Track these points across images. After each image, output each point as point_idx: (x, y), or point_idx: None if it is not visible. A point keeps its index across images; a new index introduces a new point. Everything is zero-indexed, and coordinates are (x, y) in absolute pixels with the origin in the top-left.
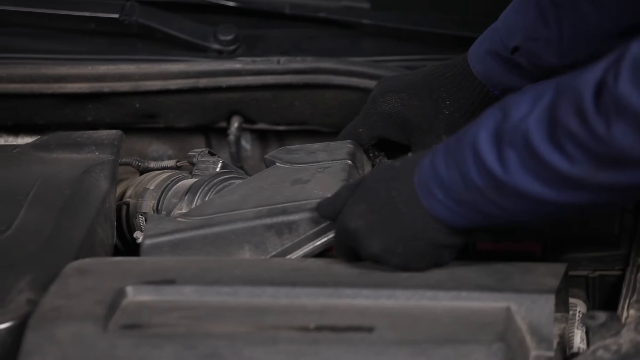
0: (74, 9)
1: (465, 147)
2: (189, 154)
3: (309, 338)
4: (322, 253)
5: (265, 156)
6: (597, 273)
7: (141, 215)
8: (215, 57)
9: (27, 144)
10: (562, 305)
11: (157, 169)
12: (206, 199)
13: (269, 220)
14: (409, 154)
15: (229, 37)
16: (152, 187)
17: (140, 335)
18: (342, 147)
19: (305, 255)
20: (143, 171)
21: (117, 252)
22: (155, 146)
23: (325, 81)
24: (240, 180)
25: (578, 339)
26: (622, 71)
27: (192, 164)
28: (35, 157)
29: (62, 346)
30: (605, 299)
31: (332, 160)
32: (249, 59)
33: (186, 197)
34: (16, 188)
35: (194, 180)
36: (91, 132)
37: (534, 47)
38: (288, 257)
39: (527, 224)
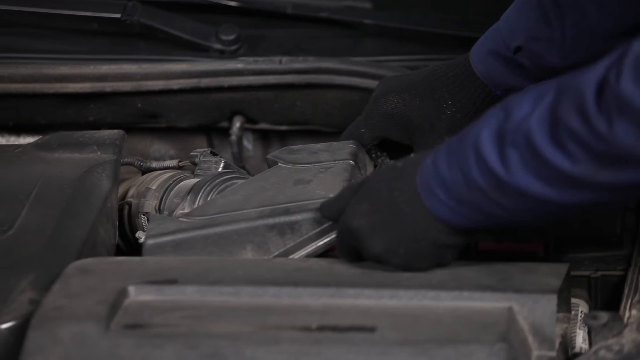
0: (76, 8)
1: (467, 147)
2: (191, 154)
3: (311, 338)
4: (325, 253)
5: (268, 156)
6: (599, 273)
7: (143, 215)
8: (217, 57)
9: (29, 144)
10: (564, 306)
11: (159, 169)
12: (208, 199)
13: (271, 221)
14: (412, 155)
15: (231, 37)
16: (154, 187)
17: (142, 335)
18: (345, 148)
19: (308, 256)
20: (145, 171)
21: (119, 252)
22: (157, 146)
23: (327, 81)
24: (243, 180)
25: (580, 339)
26: (624, 70)
27: (194, 164)
28: (37, 157)
29: (64, 346)
30: (607, 299)
31: (335, 161)
32: (250, 58)
33: (188, 197)
34: (18, 188)
35: (196, 180)
36: (93, 132)
37: (536, 47)
38: (290, 257)
39: (529, 223)
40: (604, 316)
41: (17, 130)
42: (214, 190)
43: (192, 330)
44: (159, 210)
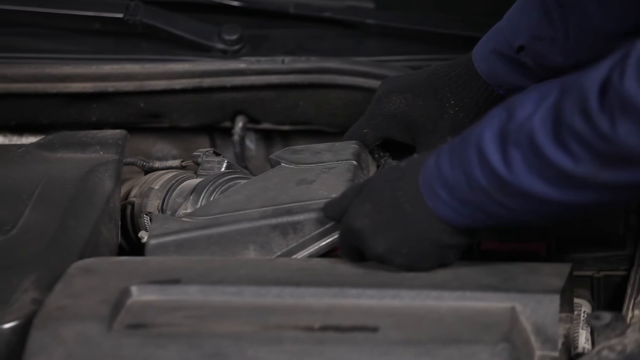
0: (79, 8)
1: (469, 148)
2: (194, 153)
3: (313, 338)
4: (327, 253)
5: (270, 156)
6: (602, 273)
7: (146, 214)
8: (219, 57)
9: (31, 144)
10: (567, 306)
11: (162, 169)
12: (211, 198)
13: (274, 221)
14: (414, 155)
15: (234, 37)
16: (157, 187)
17: (145, 334)
18: (347, 148)
19: (310, 256)
20: (148, 171)
21: (121, 251)
22: (160, 146)
23: (329, 81)
24: (245, 180)
25: (583, 339)
26: (627, 69)
27: (197, 164)
28: (40, 157)
29: (66, 345)
30: (610, 299)
31: (337, 161)
32: (253, 58)
33: (191, 197)
34: (21, 187)
35: (198, 180)
36: (96, 131)
37: (538, 47)
38: (293, 257)
39: (532, 223)
40: (606, 316)
41: (20, 130)
42: (216, 190)
43: (194, 330)
44: (162, 210)
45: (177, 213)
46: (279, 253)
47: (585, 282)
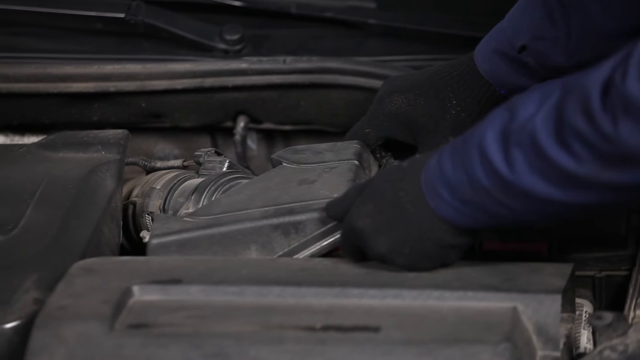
0: (80, 8)
1: (471, 148)
2: (196, 153)
3: (315, 338)
4: (329, 253)
5: (272, 156)
6: (603, 273)
7: (148, 214)
8: (221, 57)
9: (33, 144)
10: (569, 306)
11: (164, 169)
12: (213, 198)
13: (275, 220)
14: (416, 155)
15: (235, 37)
16: (158, 187)
17: (146, 334)
18: (349, 148)
19: (312, 255)
20: (149, 171)
21: (123, 251)
22: (161, 146)
23: (331, 81)
24: (247, 180)
25: (585, 339)
26: (630, 70)
27: (199, 164)
28: (42, 157)
29: (68, 345)
30: (611, 299)
31: (339, 161)
32: (255, 58)
33: (193, 197)
34: (22, 187)
35: (200, 179)
36: (97, 131)
37: (541, 47)
38: (295, 257)
39: (534, 223)
40: (608, 316)
41: (21, 130)
42: (218, 190)
43: (196, 329)
44: (164, 209)
45: (179, 213)
46: (280, 253)
47: (587, 282)
